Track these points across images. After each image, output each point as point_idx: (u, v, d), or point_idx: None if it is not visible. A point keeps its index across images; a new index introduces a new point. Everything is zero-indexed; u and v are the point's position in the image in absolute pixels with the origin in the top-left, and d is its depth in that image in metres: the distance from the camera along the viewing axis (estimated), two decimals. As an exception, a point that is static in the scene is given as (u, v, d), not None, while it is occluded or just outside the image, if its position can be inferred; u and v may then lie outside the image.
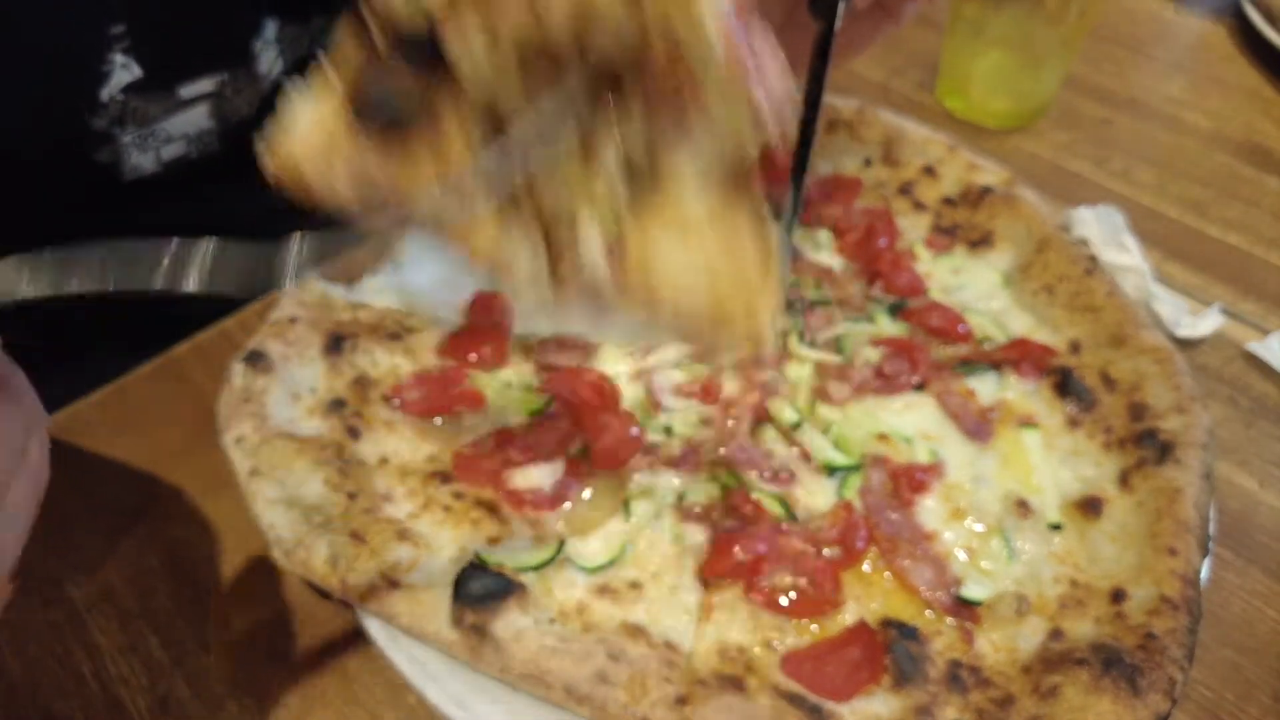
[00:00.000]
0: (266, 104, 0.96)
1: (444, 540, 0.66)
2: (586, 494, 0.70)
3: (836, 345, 0.81)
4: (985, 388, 0.78)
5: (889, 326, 0.83)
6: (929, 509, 0.70)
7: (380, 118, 0.41)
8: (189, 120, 0.88)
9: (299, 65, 0.98)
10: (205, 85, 0.89)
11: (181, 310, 0.85)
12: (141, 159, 0.87)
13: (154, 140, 0.87)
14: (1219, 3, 1.42)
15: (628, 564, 0.66)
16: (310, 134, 0.42)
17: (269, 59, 0.94)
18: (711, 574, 0.66)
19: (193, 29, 0.86)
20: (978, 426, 0.74)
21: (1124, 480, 0.71)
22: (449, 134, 0.42)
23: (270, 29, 0.93)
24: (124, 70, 0.81)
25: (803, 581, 0.65)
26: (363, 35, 0.41)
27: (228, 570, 0.70)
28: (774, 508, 0.69)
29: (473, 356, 0.79)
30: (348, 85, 0.41)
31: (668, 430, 0.74)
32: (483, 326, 0.81)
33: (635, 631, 0.61)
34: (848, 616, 0.65)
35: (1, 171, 0.80)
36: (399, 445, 0.72)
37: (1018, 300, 0.86)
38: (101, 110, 0.82)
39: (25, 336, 0.51)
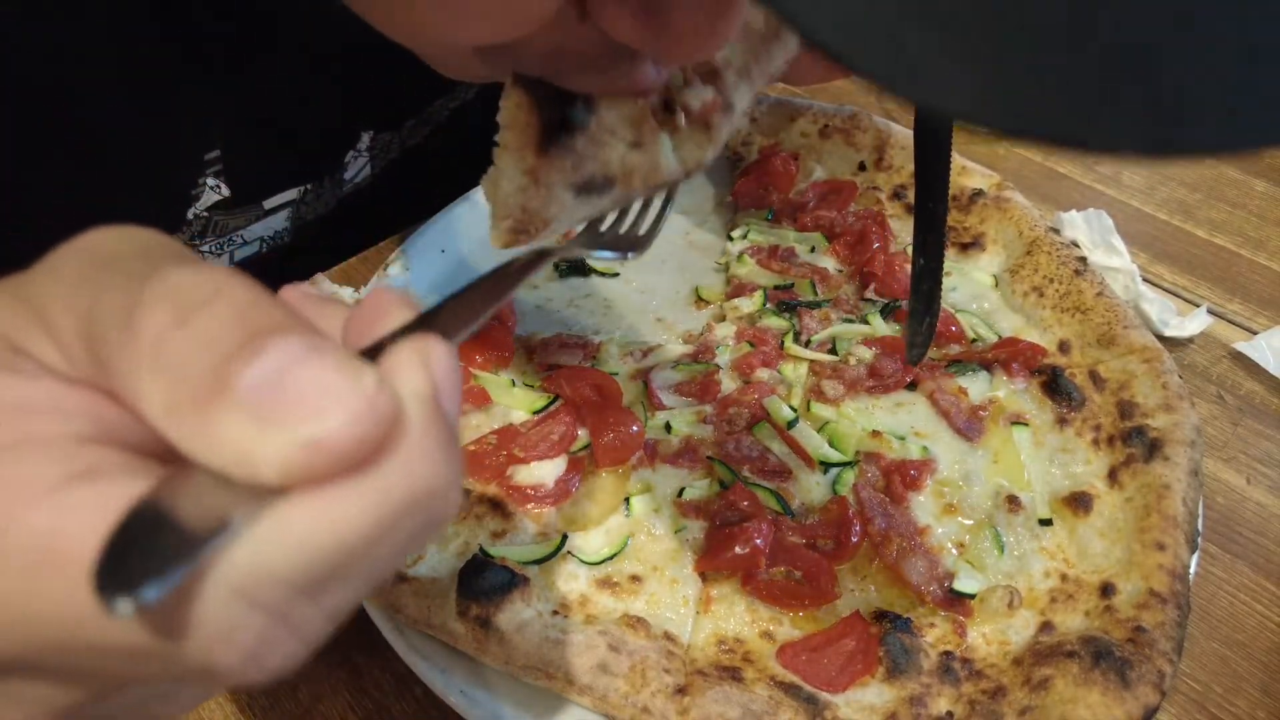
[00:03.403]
0: (344, 201, 0.95)
1: (449, 535, 0.67)
2: (588, 490, 0.71)
3: (831, 345, 0.83)
4: (976, 386, 0.79)
5: (882, 327, 0.84)
6: (921, 504, 0.71)
7: (561, 137, 0.47)
8: (267, 225, 0.87)
9: (385, 170, 0.96)
10: (290, 195, 0.87)
11: None
12: (215, 262, 0.86)
13: (230, 245, 0.85)
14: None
15: (628, 558, 0.68)
16: (516, 183, 0.49)
17: (358, 166, 0.92)
18: (710, 567, 0.67)
19: (287, 149, 0.83)
20: (969, 424, 0.76)
21: (1113, 477, 0.72)
22: (611, 112, 0.49)
23: (364, 140, 0.91)
24: (213, 191, 0.79)
25: (798, 575, 0.67)
26: (530, 90, 0.47)
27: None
28: (770, 503, 0.70)
29: (477, 357, 0.80)
30: (525, 130, 0.48)
31: (667, 428, 0.76)
32: (487, 328, 0.83)
33: (636, 623, 0.63)
34: (842, 609, 0.66)
35: None
36: (404, 443, 0.73)
37: (1008, 301, 0.87)
38: (185, 227, 0.80)
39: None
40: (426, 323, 0.32)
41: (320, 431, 0.24)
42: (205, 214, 0.80)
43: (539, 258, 0.43)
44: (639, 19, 0.39)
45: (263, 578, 0.24)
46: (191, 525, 0.24)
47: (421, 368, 0.27)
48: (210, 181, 0.79)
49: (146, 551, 0.23)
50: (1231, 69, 0.21)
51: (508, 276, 0.41)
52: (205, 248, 0.84)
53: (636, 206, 0.55)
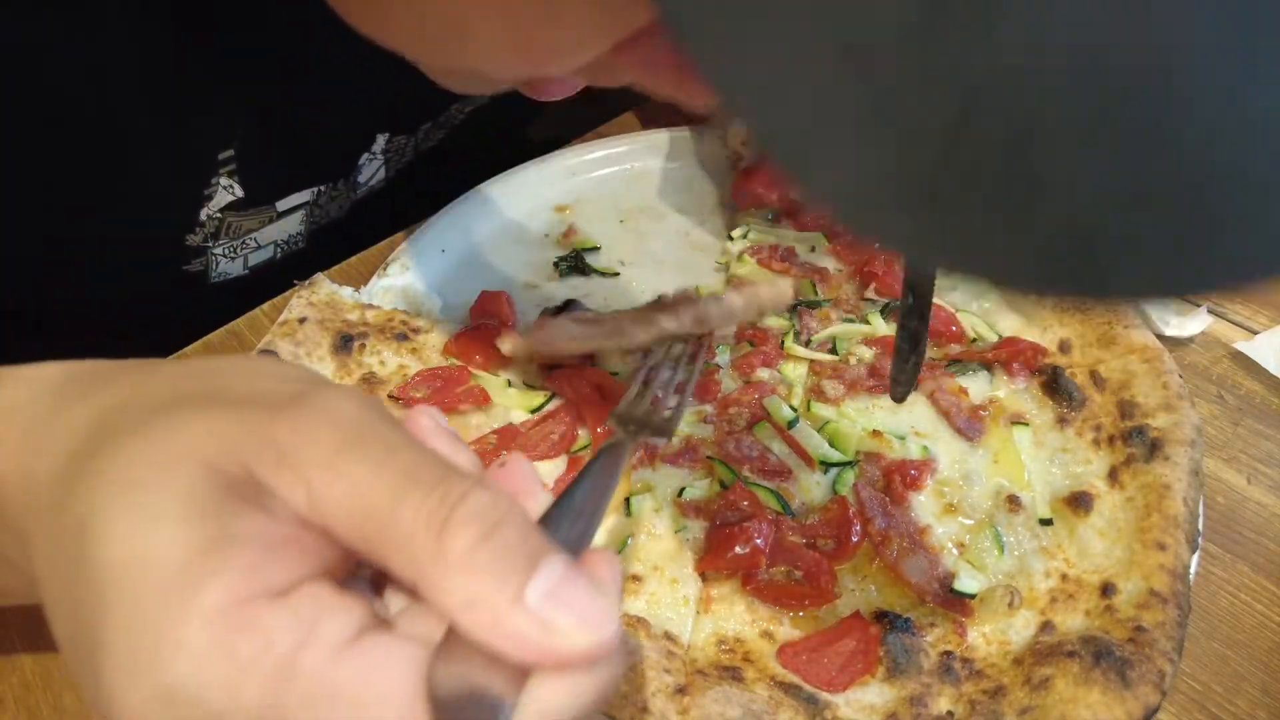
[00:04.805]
0: (357, 205, 0.94)
1: (448, 535, 0.67)
2: (588, 490, 0.71)
3: (831, 345, 0.83)
4: (976, 386, 0.79)
5: (882, 327, 0.84)
6: (921, 504, 0.71)
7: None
8: (281, 229, 0.87)
9: (399, 173, 0.96)
10: (303, 197, 0.87)
11: (190, 312, 0.85)
12: (229, 266, 0.86)
13: (244, 249, 0.86)
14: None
15: (628, 558, 0.68)
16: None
17: (372, 169, 0.92)
18: (710, 567, 0.67)
19: (302, 149, 0.84)
20: (969, 424, 0.76)
21: (1113, 476, 0.72)
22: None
23: (379, 143, 0.91)
24: (226, 192, 0.79)
25: (799, 574, 0.67)
26: None
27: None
28: (770, 502, 0.70)
29: (477, 357, 0.80)
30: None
31: (667, 428, 0.76)
32: (487, 327, 0.83)
33: (635, 623, 0.63)
34: (843, 609, 0.66)
35: (90, 284, 0.79)
36: (404, 443, 0.73)
37: (1008, 300, 0.87)
38: (198, 228, 0.80)
39: (33, 341, 0.52)
40: (566, 515, 0.41)
41: (589, 641, 0.33)
42: (219, 215, 0.80)
43: (618, 454, 0.53)
44: (649, 69, 0.45)
45: None
46: (491, 692, 0.32)
47: (615, 586, 0.37)
48: (224, 182, 0.79)
49: (468, 713, 0.32)
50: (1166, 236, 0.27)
51: (610, 472, 0.50)
52: (219, 250, 0.84)
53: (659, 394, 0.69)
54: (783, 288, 0.79)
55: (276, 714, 0.31)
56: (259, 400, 0.36)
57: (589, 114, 1.13)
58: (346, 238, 0.94)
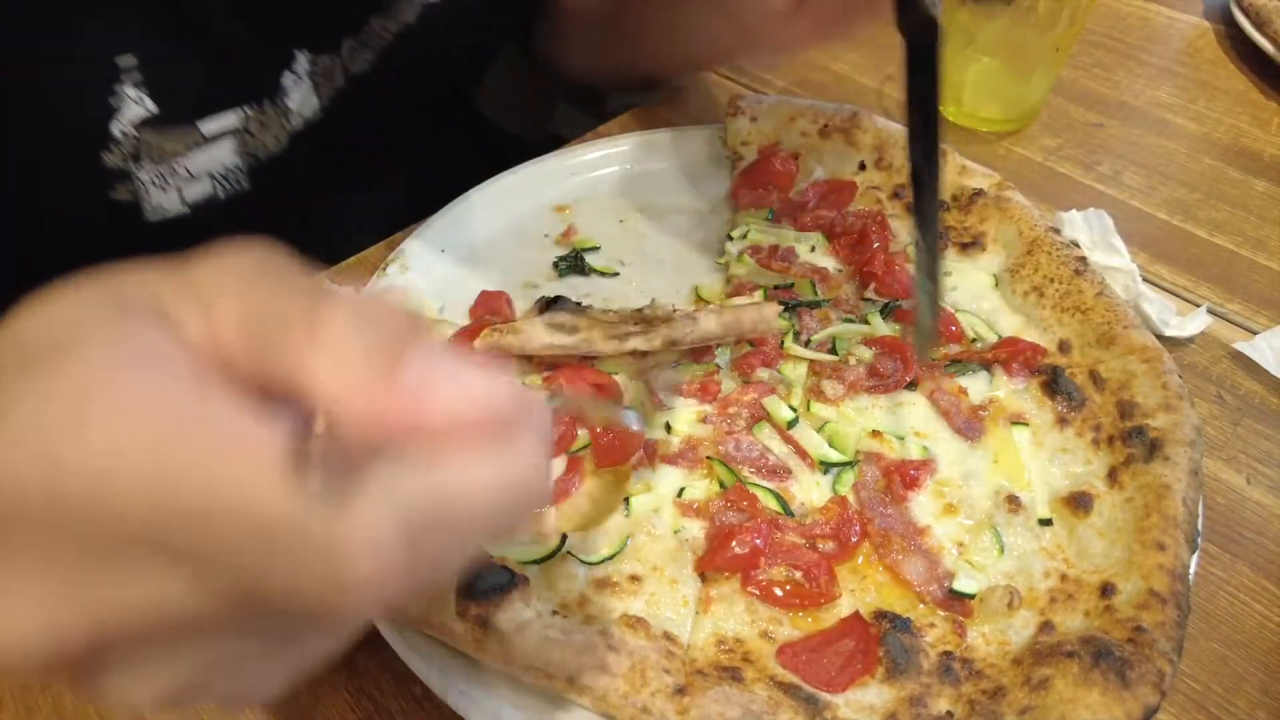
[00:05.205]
0: (298, 141, 0.93)
1: (448, 535, 0.67)
2: (588, 490, 0.71)
3: (831, 345, 0.83)
4: (976, 386, 0.79)
5: (882, 326, 0.84)
6: (921, 504, 0.71)
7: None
8: (213, 157, 0.84)
9: (335, 104, 0.94)
10: (229, 120, 0.84)
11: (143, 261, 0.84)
12: (163, 199, 0.83)
13: (175, 178, 0.83)
14: (1207, 7, 1.44)
15: (628, 558, 0.68)
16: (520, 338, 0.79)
17: (301, 94, 0.90)
18: (709, 567, 0.67)
19: (212, 61, 0.81)
20: (969, 424, 0.76)
21: (1113, 477, 0.72)
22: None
23: (302, 62, 0.89)
24: (136, 105, 0.77)
25: (798, 575, 0.66)
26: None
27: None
28: (770, 503, 0.70)
29: (477, 357, 0.80)
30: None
31: (667, 427, 0.75)
32: (486, 326, 0.83)
33: (635, 623, 0.63)
34: (842, 609, 0.66)
35: (21, 213, 0.78)
36: (403, 443, 0.73)
37: (1008, 301, 0.87)
38: (114, 146, 0.78)
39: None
40: None
41: (472, 409, 0.31)
42: (135, 133, 0.78)
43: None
44: None
45: (411, 499, 0.30)
46: (357, 455, 0.31)
47: (545, 402, 0.36)
48: (131, 92, 0.76)
49: (325, 459, 0.30)
50: None
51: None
52: (145, 175, 0.81)
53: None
54: (767, 314, 0.80)
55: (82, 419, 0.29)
56: (184, 259, 0.36)
57: (588, 113, 1.13)
58: (292, 179, 0.91)
